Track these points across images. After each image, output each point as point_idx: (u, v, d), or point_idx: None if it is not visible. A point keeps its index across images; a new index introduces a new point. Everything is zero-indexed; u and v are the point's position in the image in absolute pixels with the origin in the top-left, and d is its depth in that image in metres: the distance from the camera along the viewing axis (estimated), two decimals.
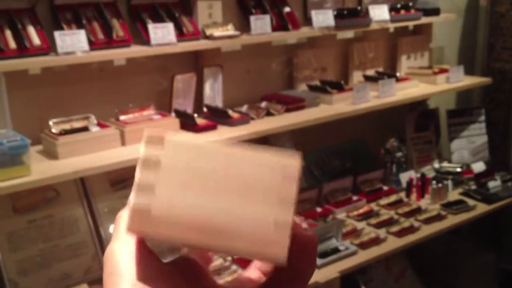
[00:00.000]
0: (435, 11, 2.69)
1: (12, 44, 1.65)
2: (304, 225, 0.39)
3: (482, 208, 2.44)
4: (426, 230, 2.24)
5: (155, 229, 0.37)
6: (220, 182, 0.37)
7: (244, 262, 1.90)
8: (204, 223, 0.37)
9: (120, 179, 1.95)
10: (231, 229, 0.37)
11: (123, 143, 1.79)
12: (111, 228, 1.90)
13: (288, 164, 0.37)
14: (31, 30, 1.70)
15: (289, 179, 0.37)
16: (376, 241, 2.14)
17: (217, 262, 1.95)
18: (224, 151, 0.38)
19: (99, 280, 1.81)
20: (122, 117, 1.87)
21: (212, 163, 0.37)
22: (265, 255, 0.36)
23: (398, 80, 2.49)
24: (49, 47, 1.70)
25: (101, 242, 1.88)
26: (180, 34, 1.96)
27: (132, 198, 0.37)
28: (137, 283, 0.37)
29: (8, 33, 1.66)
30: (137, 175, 0.37)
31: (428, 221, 2.29)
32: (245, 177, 0.37)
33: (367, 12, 2.44)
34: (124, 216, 0.41)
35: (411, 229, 2.22)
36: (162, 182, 0.37)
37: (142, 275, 0.38)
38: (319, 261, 1.97)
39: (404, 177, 2.58)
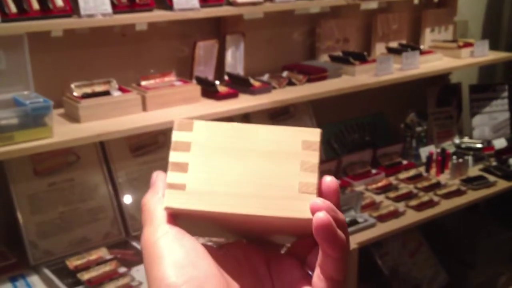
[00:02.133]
0: None
1: (35, 5, 1.62)
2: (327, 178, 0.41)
3: (502, 184, 2.41)
4: (446, 205, 2.22)
5: (191, 203, 0.40)
6: (246, 154, 0.40)
7: None
8: (235, 191, 0.40)
9: (140, 145, 1.94)
10: (260, 194, 0.40)
11: (144, 108, 1.78)
12: (127, 199, 1.90)
13: (309, 137, 0.41)
14: None
15: (311, 149, 0.40)
16: (395, 214, 2.12)
17: None
18: (248, 127, 0.41)
19: (118, 245, 1.82)
20: (143, 83, 1.85)
21: (238, 138, 0.41)
22: (295, 215, 0.39)
23: (421, 53, 2.45)
24: (72, 9, 1.68)
25: (120, 208, 1.88)
26: None
27: (168, 177, 0.40)
28: (182, 263, 0.38)
29: None
30: (171, 157, 0.41)
31: (448, 196, 2.27)
32: (269, 148, 0.41)
33: None
34: (151, 201, 0.42)
35: (430, 204, 2.20)
36: (193, 160, 0.40)
37: (185, 256, 0.38)
38: None
39: (424, 151, 2.56)
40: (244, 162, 0.40)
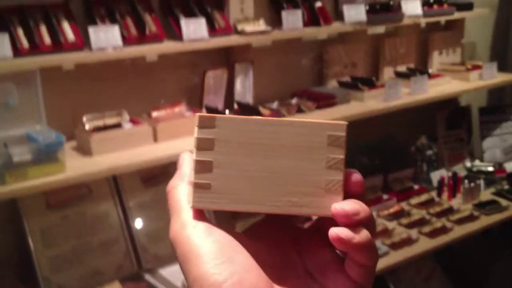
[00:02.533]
0: (468, 6, 2.63)
1: (47, 40, 1.63)
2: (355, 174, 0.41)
3: None
4: (459, 231, 2.20)
5: (217, 203, 0.40)
6: (271, 150, 0.40)
7: None
8: (260, 188, 0.40)
9: (152, 176, 1.94)
10: (286, 191, 0.40)
11: (155, 139, 1.78)
12: (139, 230, 1.89)
13: (334, 131, 0.40)
14: (66, 26, 1.68)
15: (336, 144, 0.40)
16: (408, 241, 2.10)
17: None
18: (272, 121, 0.40)
19: (130, 278, 1.81)
20: (154, 114, 1.86)
21: (262, 133, 0.40)
22: (322, 213, 0.40)
23: (430, 76, 2.44)
24: (83, 43, 1.69)
25: (133, 240, 1.87)
26: (212, 29, 1.93)
27: (193, 176, 0.40)
28: (220, 260, 0.38)
29: (43, 29, 1.64)
30: (195, 155, 0.40)
31: (461, 221, 2.25)
32: (294, 143, 0.40)
33: (399, 7, 2.39)
34: (176, 188, 0.42)
35: (443, 230, 2.18)
36: (218, 157, 0.40)
37: (220, 251, 0.38)
38: None
39: (435, 176, 2.54)
40: (269, 159, 0.40)
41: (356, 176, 0.41)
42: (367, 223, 0.39)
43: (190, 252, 0.38)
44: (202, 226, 0.39)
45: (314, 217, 0.45)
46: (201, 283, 0.37)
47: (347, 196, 0.40)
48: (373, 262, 0.39)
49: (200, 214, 0.40)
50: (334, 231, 0.38)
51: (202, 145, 0.40)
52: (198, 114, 0.40)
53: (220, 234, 0.39)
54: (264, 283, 0.38)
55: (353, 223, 0.38)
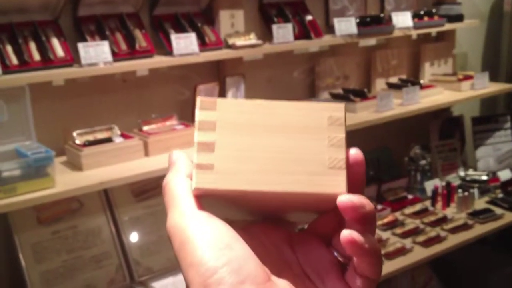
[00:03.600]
0: (459, 17, 2.65)
1: (36, 56, 1.65)
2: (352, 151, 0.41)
3: (509, 217, 2.39)
4: (453, 240, 2.20)
5: (221, 183, 0.39)
6: (273, 131, 0.40)
7: None
8: (264, 168, 0.39)
9: (143, 190, 1.94)
10: (290, 170, 0.39)
11: (146, 153, 1.79)
12: (131, 244, 1.90)
13: (334, 112, 0.40)
14: (55, 42, 1.70)
15: (337, 124, 0.40)
16: (402, 251, 2.10)
17: None
18: (272, 104, 0.40)
19: None
20: (145, 128, 1.87)
21: (263, 115, 0.40)
22: (327, 191, 0.39)
23: (422, 87, 2.46)
24: (72, 59, 1.70)
25: (125, 253, 1.87)
26: (203, 43, 1.95)
27: (195, 158, 0.39)
28: (218, 246, 0.36)
29: (32, 45, 1.66)
30: (197, 136, 0.40)
31: (455, 230, 2.25)
32: (295, 123, 0.40)
33: (390, 19, 2.41)
34: (173, 180, 0.41)
35: (438, 239, 2.18)
36: (220, 138, 0.39)
37: (219, 238, 0.37)
38: None
39: (429, 185, 2.55)
40: (272, 139, 0.40)
41: (356, 155, 0.40)
42: (371, 219, 0.38)
43: (187, 239, 0.37)
44: (201, 214, 0.38)
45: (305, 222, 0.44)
46: (197, 269, 0.35)
47: (348, 175, 0.39)
48: (376, 276, 0.38)
49: (199, 204, 0.39)
50: (347, 232, 0.36)
51: (204, 127, 0.40)
52: (199, 97, 0.40)
53: (220, 222, 0.38)
54: (262, 274, 0.37)
55: (358, 216, 0.37)
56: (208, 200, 0.40)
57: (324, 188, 0.39)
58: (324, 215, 0.42)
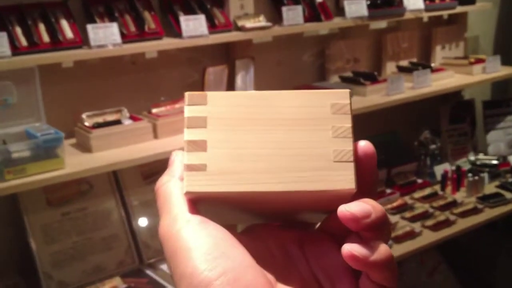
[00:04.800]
0: (471, 0, 2.62)
1: (46, 38, 1.65)
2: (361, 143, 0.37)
3: None
4: (462, 224, 2.19)
5: (215, 185, 0.35)
6: (271, 124, 0.36)
7: None
8: (263, 166, 0.35)
9: (152, 172, 1.95)
10: (291, 167, 0.35)
11: (155, 136, 1.79)
12: (140, 226, 1.90)
13: (338, 99, 0.36)
14: (64, 24, 1.69)
15: (342, 112, 0.36)
16: (411, 235, 2.10)
17: None
18: (268, 94, 0.36)
19: (131, 273, 1.82)
20: (154, 110, 1.86)
21: (259, 107, 0.36)
22: (334, 187, 0.35)
23: (433, 70, 2.44)
24: (81, 40, 1.70)
25: (134, 235, 1.88)
26: (212, 26, 1.94)
27: (185, 158, 0.35)
28: (213, 255, 0.33)
29: (42, 27, 1.66)
30: (186, 135, 0.36)
31: (464, 214, 2.24)
32: (295, 115, 0.36)
33: (401, 1, 2.38)
34: (166, 184, 0.38)
35: (447, 223, 2.18)
36: (212, 136, 0.36)
37: (215, 246, 0.34)
38: None
39: (439, 169, 2.53)
40: (270, 133, 0.36)
41: (366, 148, 0.37)
42: (381, 226, 0.34)
43: (179, 248, 0.34)
44: (195, 220, 0.35)
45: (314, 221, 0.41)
46: (190, 280, 0.32)
47: (358, 170, 0.36)
48: (392, 285, 0.34)
49: (194, 208, 0.36)
50: (347, 248, 0.33)
51: (193, 124, 0.36)
52: (187, 92, 0.37)
53: (215, 228, 0.35)
54: (264, 283, 0.34)
55: (364, 227, 0.34)
56: (205, 204, 0.37)
57: (331, 184, 0.35)
58: (335, 213, 0.36)
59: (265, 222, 0.41)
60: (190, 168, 0.35)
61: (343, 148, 0.36)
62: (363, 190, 0.36)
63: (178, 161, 0.39)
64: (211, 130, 0.36)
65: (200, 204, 0.37)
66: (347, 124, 0.36)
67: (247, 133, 0.36)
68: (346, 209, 0.34)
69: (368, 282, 0.34)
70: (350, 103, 0.37)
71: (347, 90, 0.37)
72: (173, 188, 0.37)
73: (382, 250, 0.34)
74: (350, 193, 0.35)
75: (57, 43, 1.66)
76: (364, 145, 0.37)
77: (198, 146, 0.36)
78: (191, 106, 0.36)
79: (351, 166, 0.35)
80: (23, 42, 1.61)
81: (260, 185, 0.35)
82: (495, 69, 2.57)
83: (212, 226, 0.35)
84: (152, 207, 1.92)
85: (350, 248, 0.33)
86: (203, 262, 0.33)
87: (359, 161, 0.36)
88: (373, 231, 0.34)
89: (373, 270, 0.34)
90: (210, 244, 0.33)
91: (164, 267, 1.84)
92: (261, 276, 0.34)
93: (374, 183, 0.38)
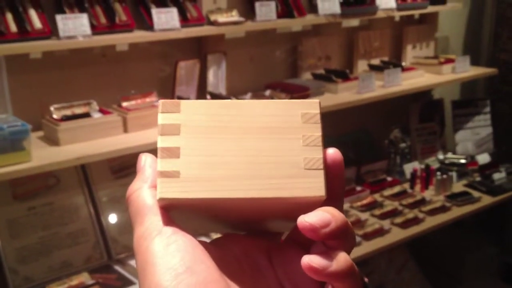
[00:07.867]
0: (442, 0, 2.65)
1: (13, 28, 1.61)
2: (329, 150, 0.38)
3: (486, 200, 2.42)
4: (431, 222, 2.22)
5: (189, 192, 0.36)
6: (243, 132, 0.37)
7: None
8: (235, 174, 0.36)
9: (122, 167, 1.92)
10: (263, 174, 0.36)
11: (125, 130, 1.76)
12: (109, 221, 1.88)
13: (308, 109, 0.37)
14: (33, 14, 1.66)
15: (312, 122, 0.37)
16: (380, 232, 2.11)
17: None
18: (240, 103, 0.38)
19: (100, 269, 1.79)
20: (124, 104, 1.84)
21: (232, 116, 0.37)
22: (305, 194, 0.36)
23: (403, 69, 2.46)
24: (50, 31, 1.66)
25: (102, 230, 1.85)
26: (184, 19, 1.92)
27: (158, 165, 0.36)
28: (177, 270, 0.33)
29: (9, 16, 1.62)
30: (159, 142, 0.36)
31: (433, 212, 2.27)
32: (266, 124, 0.37)
33: (373, 0, 2.40)
34: (138, 191, 0.37)
35: (415, 221, 2.20)
36: (185, 143, 0.36)
37: (181, 261, 0.34)
38: None
39: (408, 168, 2.56)
40: (242, 142, 0.37)
41: (336, 154, 0.38)
42: (342, 234, 0.34)
43: (147, 261, 0.34)
44: (167, 232, 0.35)
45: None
46: None
47: (327, 177, 0.36)
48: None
49: (166, 217, 0.36)
50: (306, 260, 0.34)
51: (167, 131, 0.36)
52: (161, 100, 0.38)
53: (185, 241, 0.35)
54: None
55: (324, 236, 0.34)
56: (177, 212, 0.37)
57: (301, 191, 0.36)
58: None
59: (236, 232, 0.42)
60: (163, 174, 0.36)
61: (313, 156, 0.37)
62: (332, 196, 0.37)
63: (148, 166, 0.39)
64: (184, 138, 0.37)
65: (173, 212, 0.37)
66: (317, 133, 0.37)
67: (220, 141, 0.37)
68: (304, 220, 0.34)
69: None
70: (320, 113, 0.38)
71: (317, 101, 0.38)
72: (145, 196, 0.37)
73: (342, 259, 0.34)
74: (320, 200, 0.36)
75: (25, 33, 1.62)
76: (332, 152, 0.38)
77: (172, 153, 0.36)
78: (164, 114, 0.37)
79: (321, 174, 0.36)
80: None
81: (233, 191, 0.36)
82: (464, 69, 2.60)
83: (182, 239, 0.35)
84: (120, 203, 1.89)
85: (309, 260, 0.34)
86: (167, 278, 0.33)
87: (328, 168, 0.37)
88: (335, 239, 0.34)
89: (333, 280, 0.34)
90: (176, 259, 0.34)
91: (132, 262, 1.81)
92: None
93: (342, 189, 0.39)
